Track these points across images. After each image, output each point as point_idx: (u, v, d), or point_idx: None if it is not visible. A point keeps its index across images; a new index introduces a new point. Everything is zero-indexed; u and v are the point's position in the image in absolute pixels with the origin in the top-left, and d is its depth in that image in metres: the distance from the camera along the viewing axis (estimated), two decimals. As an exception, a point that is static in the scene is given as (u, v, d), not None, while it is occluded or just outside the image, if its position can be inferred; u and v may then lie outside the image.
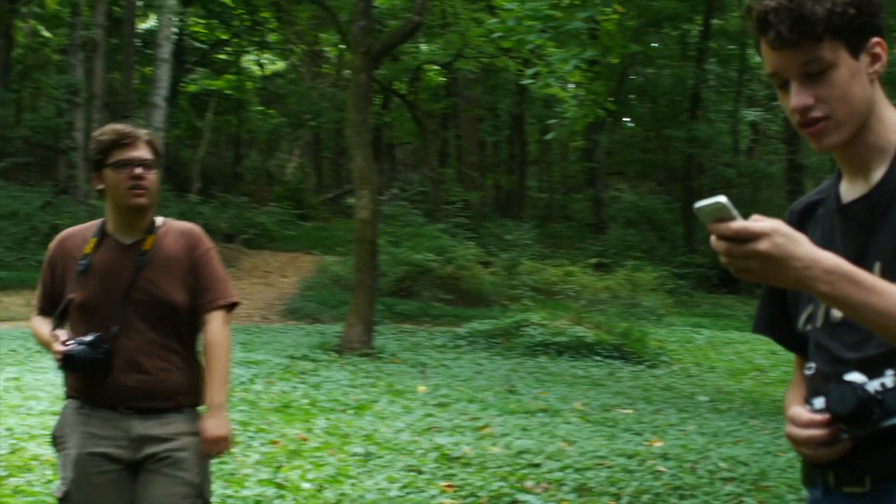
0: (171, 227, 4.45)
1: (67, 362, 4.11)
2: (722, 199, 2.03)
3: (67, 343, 4.13)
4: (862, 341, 2.31)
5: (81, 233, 4.45)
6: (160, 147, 4.50)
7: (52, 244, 4.48)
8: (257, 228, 34.69)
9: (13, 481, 7.30)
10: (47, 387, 11.18)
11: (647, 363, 18.24)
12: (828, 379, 2.36)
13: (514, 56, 25.98)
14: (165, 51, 29.04)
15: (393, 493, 7.52)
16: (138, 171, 4.23)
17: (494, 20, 15.87)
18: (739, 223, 2.04)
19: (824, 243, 2.40)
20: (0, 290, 23.54)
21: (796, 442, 2.35)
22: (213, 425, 4.29)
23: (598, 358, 18.14)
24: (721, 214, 2.05)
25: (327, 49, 48.00)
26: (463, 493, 7.60)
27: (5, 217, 28.42)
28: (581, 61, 13.99)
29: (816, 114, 2.36)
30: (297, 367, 14.68)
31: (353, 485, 7.73)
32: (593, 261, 30.73)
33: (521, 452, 8.98)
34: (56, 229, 26.73)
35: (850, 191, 2.50)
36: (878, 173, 2.42)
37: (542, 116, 41.55)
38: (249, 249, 33.13)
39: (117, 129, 4.32)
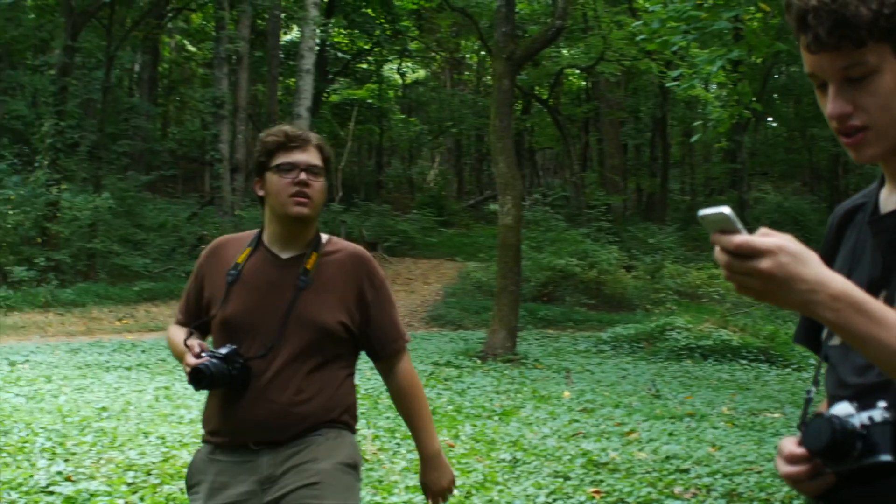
0: (339, 248, 4.03)
1: (197, 376, 3.71)
2: (725, 209, 1.90)
3: (201, 356, 3.74)
4: (868, 366, 2.15)
5: (237, 241, 4.07)
6: (330, 154, 4.07)
7: (204, 251, 4.13)
8: (399, 236, 34.97)
9: (166, 489, 7.44)
10: (197, 395, 11.36)
11: (794, 366, 17.82)
12: (832, 403, 2.18)
13: (656, 58, 25.73)
14: (308, 62, 29.44)
15: (541, 500, 7.46)
16: (303, 176, 3.85)
17: (637, 22, 15.66)
18: (742, 237, 1.88)
19: (854, 254, 2.33)
20: (148, 301, 24.18)
21: (781, 475, 2.21)
22: (438, 478, 4.02)
23: (743, 361, 17.82)
24: (724, 226, 1.91)
25: (468, 56, 48.19)
26: (611, 500, 7.52)
27: (153, 229, 29.17)
28: (726, 62, 13.76)
29: (855, 122, 2.15)
30: (442, 374, 14.72)
31: (500, 491, 7.69)
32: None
33: (668, 458, 8.86)
34: (202, 241, 27.44)
35: (888, 199, 2.30)
36: None
37: (684, 118, 41.08)
38: (392, 257, 33.42)
39: (286, 130, 3.96)
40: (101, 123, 30.31)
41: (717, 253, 1.91)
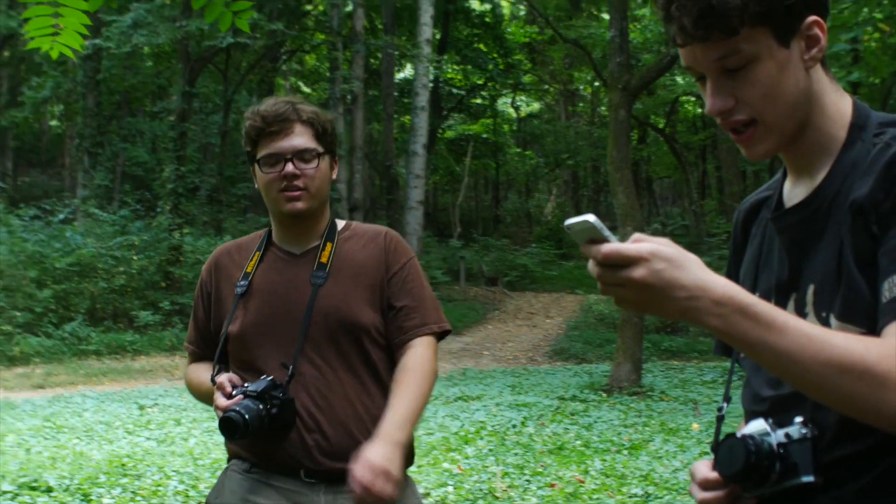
0: (358, 232, 3.54)
1: (228, 427, 3.09)
2: (590, 217, 1.73)
3: (232, 395, 3.19)
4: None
5: (241, 248, 3.56)
6: (328, 123, 3.47)
7: (205, 267, 3.59)
8: (519, 270, 34.91)
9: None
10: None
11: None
12: (748, 420, 2.04)
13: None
14: (423, 99, 29.60)
15: (676, 537, 7.29)
16: (290, 168, 3.31)
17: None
18: (610, 246, 1.72)
19: (761, 253, 2.17)
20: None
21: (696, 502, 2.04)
22: (376, 454, 3.04)
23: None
24: (592, 235, 1.74)
25: (581, 87, 48.05)
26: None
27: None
28: (846, 84, 13.49)
29: (740, 117, 1.97)
30: (568, 408, 14.56)
31: (634, 528, 7.53)
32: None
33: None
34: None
35: (792, 191, 2.09)
36: (821, 175, 2.00)
37: (804, 142, 40.37)
38: (512, 291, 33.35)
39: (264, 110, 3.36)
40: (220, 167, 30.85)
41: (590, 265, 1.76)
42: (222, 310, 3.44)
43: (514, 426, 12.42)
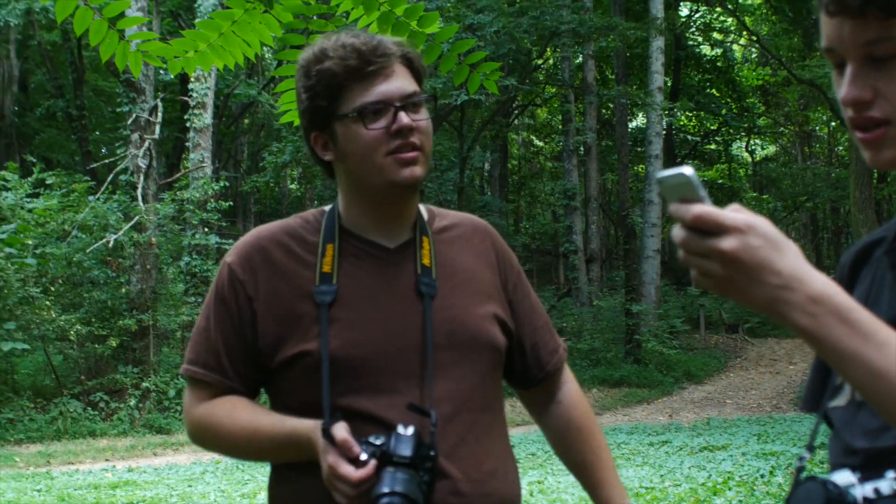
0: (453, 221, 2.71)
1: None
2: (687, 170, 1.50)
3: (361, 458, 2.23)
4: (882, 429, 1.67)
5: (295, 234, 2.58)
6: (423, 65, 2.62)
7: (232, 263, 2.55)
8: (760, 316, 34.07)
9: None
10: (571, 488, 11.34)
11: None
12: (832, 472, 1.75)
13: None
14: (656, 147, 29.44)
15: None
16: (403, 119, 2.43)
17: None
18: (703, 208, 1.49)
19: (870, 294, 1.85)
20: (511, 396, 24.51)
21: None
22: None
23: None
24: (685, 193, 1.51)
25: (818, 128, 46.88)
26: None
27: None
28: None
29: (874, 113, 1.67)
30: (817, 457, 14.14)
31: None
32: None
33: None
34: (561, 332, 27.66)
35: None
36: None
37: None
38: (754, 338, 32.70)
39: (352, 43, 2.46)
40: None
41: (675, 229, 1.53)
42: (281, 325, 2.46)
43: (762, 476, 12.16)
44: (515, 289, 2.69)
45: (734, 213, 1.48)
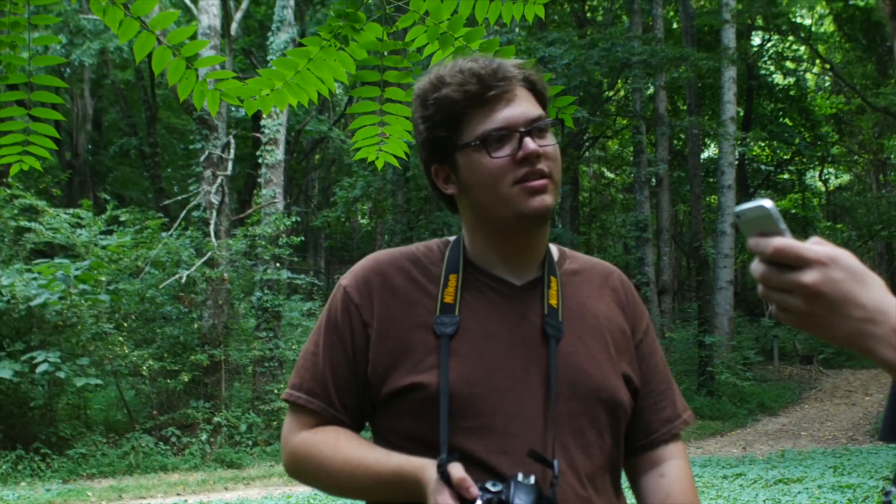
0: (583, 263, 2.53)
1: None
2: (767, 203, 1.46)
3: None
4: None
5: (418, 261, 2.41)
6: (545, 85, 2.42)
7: (348, 285, 2.39)
8: (834, 347, 33.65)
9: None
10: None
11: None
12: None
13: None
14: (729, 177, 29.22)
15: None
16: (530, 145, 2.25)
17: None
18: (784, 240, 1.44)
19: None
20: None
21: None
22: None
23: None
24: (765, 226, 1.47)
25: (892, 156, 46.29)
26: None
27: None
28: None
29: None
30: (897, 491, 13.85)
31: None
32: None
33: None
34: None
35: None
36: None
37: None
38: (828, 369, 32.30)
39: (471, 67, 2.30)
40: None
41: (754, 263, 1.49)
42: (394, 354, 2.28)
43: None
44: (641, 343, 2.48)
45: (816, 246, 1.44)
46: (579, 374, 2.28)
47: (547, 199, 2.26)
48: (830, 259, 1.44)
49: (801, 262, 1.44)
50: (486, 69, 2.29)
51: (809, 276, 1.43)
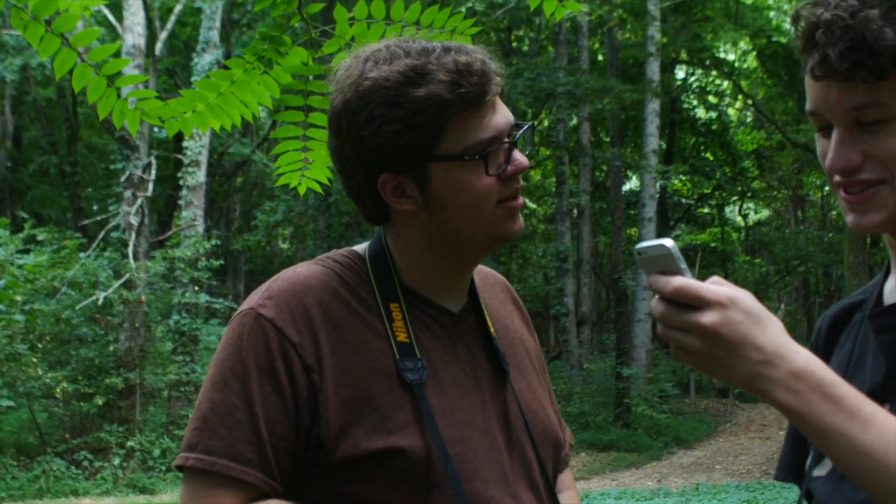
0: (483, 279, 2.23)
1: None
2: (667, 242, 1.45)
3: None
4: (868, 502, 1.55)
5: (343, 285, 1.97)
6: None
7: (273, 312, 1.89)
8: (747, 383, 34.17)
9: None
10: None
11: None
12: None
13: None
14: (650, 210, 29.47)
15: None
16: (519, 159, 1.96)
17: None
18: (683, 280, 1.44)
19: (851, 359, 1.81)
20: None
21: None
22: None
23: None
24: (665, 264, 1.46)
25: (811, 192, 47.09)
26: None
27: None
28: None
29: (868, 176, 1.63)
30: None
31: None
32: None
33: None
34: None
35: (895, 291, 1.77)
36: None
37: None
38: (744, 403, 32.68)
39: (461, 60, 1.89)
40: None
41: (654, 301, 1.48)
42: (349, 408, 1.86)
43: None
44: (543, 368, 2.25)
45: (715, 287, 1.44)
46: (530, 415, 2.06)
47: (522, 221, 2.01)
48: (730, 300, 1.44)
49: (701, 303, 1.44)
50: (477, 63, 1.91)
51: (708, 318, 1.43)
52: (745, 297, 1.45)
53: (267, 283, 1.99)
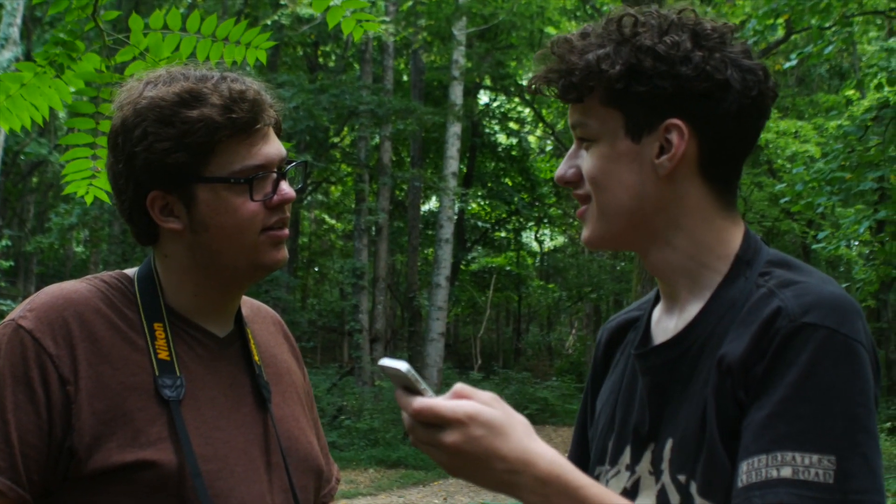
0: (250, 308, 2.31)
1: None
2: (403, 366, 1.50)
3: None
4: None
5: (107, 304, 2.02)
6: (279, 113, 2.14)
7: (33, 324, 1.92)
8: (539, 403, 34.63)
9: None
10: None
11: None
12: None
13: (798, 219, 25.52)
14: (447, 231, 29.74)
15: None
16: (286, 190, 2.06)
17: (780, 185, 15.59)
18: (423, 402, 1.49)
19: (622, 385, 1.91)
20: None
21: None
22: None
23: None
24: (406, 383, 1.52)
25: (604, 222, 48.33)
26: None
27: (294, 401, 29.51)
28: (873, 222, 13.58)
29: (580, 191, 1.81)
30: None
31: None
32: (887, 425, 29.20)
33: None
34: (341, 411, 27.45)
35: (661, 322, 1.88)
36: (692, 310, 1.78)
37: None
38: (533, 425, 33.09)
39: (234, 89, 2.00)
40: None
41: (404, 415, 1.54)
42: (104, 421, 1.89)
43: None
44: (309, 396, 2.32)
45: (454, 404, 1.49)
46: (291, 441, 2.13)
47: (286, 252, 2.09)
48: (468, 417, 1.49)
49: (441, 422, 1.49)
50: (255, 94, 2.02)
51: (450, 437, 1.48)
52: (483, 409, 1.51)
53: (31, 297, 2.03)
